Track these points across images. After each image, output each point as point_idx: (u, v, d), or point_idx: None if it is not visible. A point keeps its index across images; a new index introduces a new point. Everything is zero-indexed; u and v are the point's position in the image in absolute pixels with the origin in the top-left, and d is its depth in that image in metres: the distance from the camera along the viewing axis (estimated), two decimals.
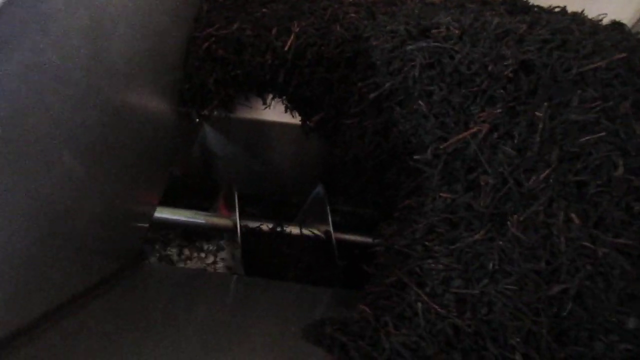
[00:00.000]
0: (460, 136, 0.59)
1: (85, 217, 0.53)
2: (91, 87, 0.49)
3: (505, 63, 0.60)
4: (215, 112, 0.81)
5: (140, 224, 0.70)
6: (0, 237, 0.40)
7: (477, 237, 0.54)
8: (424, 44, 0.65)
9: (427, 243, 0.56)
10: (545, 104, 0.57)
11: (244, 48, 0.72)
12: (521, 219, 0.53)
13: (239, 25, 0.73)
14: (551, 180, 0.54)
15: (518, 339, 0.48)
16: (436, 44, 0.64)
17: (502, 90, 0.59)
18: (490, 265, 0.52)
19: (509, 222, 0.53)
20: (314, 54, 0.73)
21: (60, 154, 0.46)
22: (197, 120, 0.84)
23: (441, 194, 0.58)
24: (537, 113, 0.57)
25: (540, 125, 0.56)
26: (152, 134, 0.67)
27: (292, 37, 0.73)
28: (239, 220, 0.87)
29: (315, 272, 0.98)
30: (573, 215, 0.52)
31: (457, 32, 0.65)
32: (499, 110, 0.59)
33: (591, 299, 0.49)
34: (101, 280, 0.58)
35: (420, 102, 0.63)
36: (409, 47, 0.65)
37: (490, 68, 0.60)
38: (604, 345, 0.47)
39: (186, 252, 0.94)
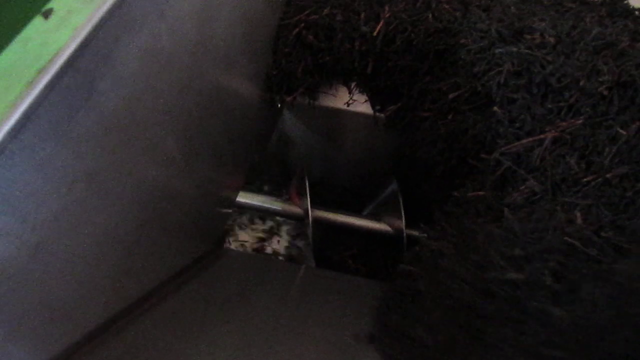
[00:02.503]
0: (525, 141, 0.56)
1: (181, 201, 0.53)
2: (196, 72, 0.49)
3: (600, 79, 0.56)
4: (299, 99, 0.80)
5: (225, 209, 0.70)
6: (111, 221, 0.41)
7: None
8: (514, 49, 0.61)
9: None
10: (638, 123, 0.52)
11: (335, 34, 0.70)
12: None
13: (330, 10, 0.71)
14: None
15: None
16: (527, 51, 0.60)
17: (591, 106, 0.56)
18: None
19: None
20: (403, 41, 0.70)
21: (165, 139, 0.46)
22: (279, 106, 0.83)
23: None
24: (620, 130, 0.52)
25: (621, 141, 0.52)
26: (241, 119, 0.67)
27: (381, 23, 0.70)
28: (311, 210, 0.86)
29: (383, 268, 0.96)
30: None
31: (552, 40, 0.60)
32: (580, 121, 0.55)
33: None
34: (190, 263, 0.59)
35: (498, 109, 0.59)
36: (498, 51, 0.61)
37: (582, 83, 0.56)
38: None
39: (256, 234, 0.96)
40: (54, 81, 0.30)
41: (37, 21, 0.33)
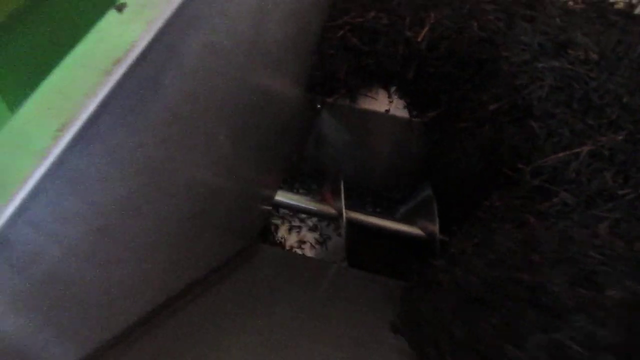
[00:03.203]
0: (562, 154, 0.55)
1: (225, 197, 0.54)
2: (249, 71, 0.50)
3: None
4: (339, 100, 0.81)
5: (265, 206, 0.71)
6: (165, 211, 0.42)
7: None
8: (557, 64, 0.60)
9: None
10: None
11: (379, 37, 0.70)
12: None
13: (375, 13, 0.71)
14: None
15: None
16: (570, 67, 0.60)
17: (633, 122, 0.55)
18: None
19: None
20: (446, 48, 0.70)
21: (217, 135, 0.47)
22: (319, 106, 0.84)
23: None
24: None
25: None
26: (285, 119, 0.68)
27: (426, 28, 0.70)
28: (345, 211, 0.87)
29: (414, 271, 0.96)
30: None
31: (595, 56, 0.60)
32: (621, 137, 0.54)
33: None
34: (229, 258, 0.60)
35: (535, 123, 0.59)
36: (540, 65, 0.61)
37: (625, 99, 0.56)
38: None
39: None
40: (128, 72, 0.31)
41: (111, 14, 0.34)
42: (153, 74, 0.34)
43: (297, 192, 0.91)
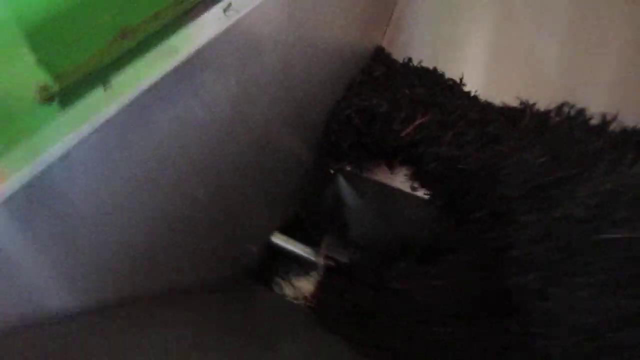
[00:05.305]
0: None
1: (203, 226, 0.66)
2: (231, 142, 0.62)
3: None
4: (349, 168, 0.90)
5: (251, 246, 0.82)
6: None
7: None
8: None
9: None
10: None
11: (375, 121, 0.80)
12: None
13: (378, 101, 0.81)
14: None
15: None
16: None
17: None
18: None
19: None
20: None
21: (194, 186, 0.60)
22: (332, 172, 0.94)
23: None
24: None
25: None
26: (284, 170, 0.80)
27: (411, 127, 0.78)
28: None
29: None
30: None
31: None
32: None
33: None
34: (202, 284, 0.71)
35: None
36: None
37: None
38: None
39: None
40: None
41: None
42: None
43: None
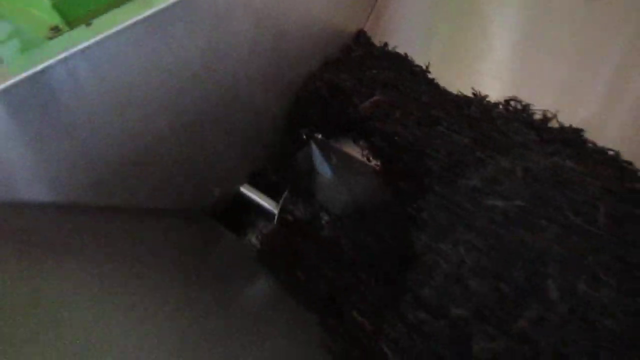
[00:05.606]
0: None
1: (167, 158, 0.77)
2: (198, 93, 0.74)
3: None
4: (320, 136, 1.00)
5: (213, 188, 0.93)
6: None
7: None
8: None
9: None
10: None
11: (338, 95, 0.89)
12: None
13: (346, 76, 0.90)
14: None
15: None
16: None
17: None
18: None
19: None
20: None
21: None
22: (304, 137, 1.05)
23: None
24: None
25: None
26: (256, 127, 0.91)
27: (369, 101, 0.86)
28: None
29: None
30: None
31: None
32: None
33: None
34: (168, 211, 0.83)
35: None
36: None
37: None
38: None
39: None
40: None
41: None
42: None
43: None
